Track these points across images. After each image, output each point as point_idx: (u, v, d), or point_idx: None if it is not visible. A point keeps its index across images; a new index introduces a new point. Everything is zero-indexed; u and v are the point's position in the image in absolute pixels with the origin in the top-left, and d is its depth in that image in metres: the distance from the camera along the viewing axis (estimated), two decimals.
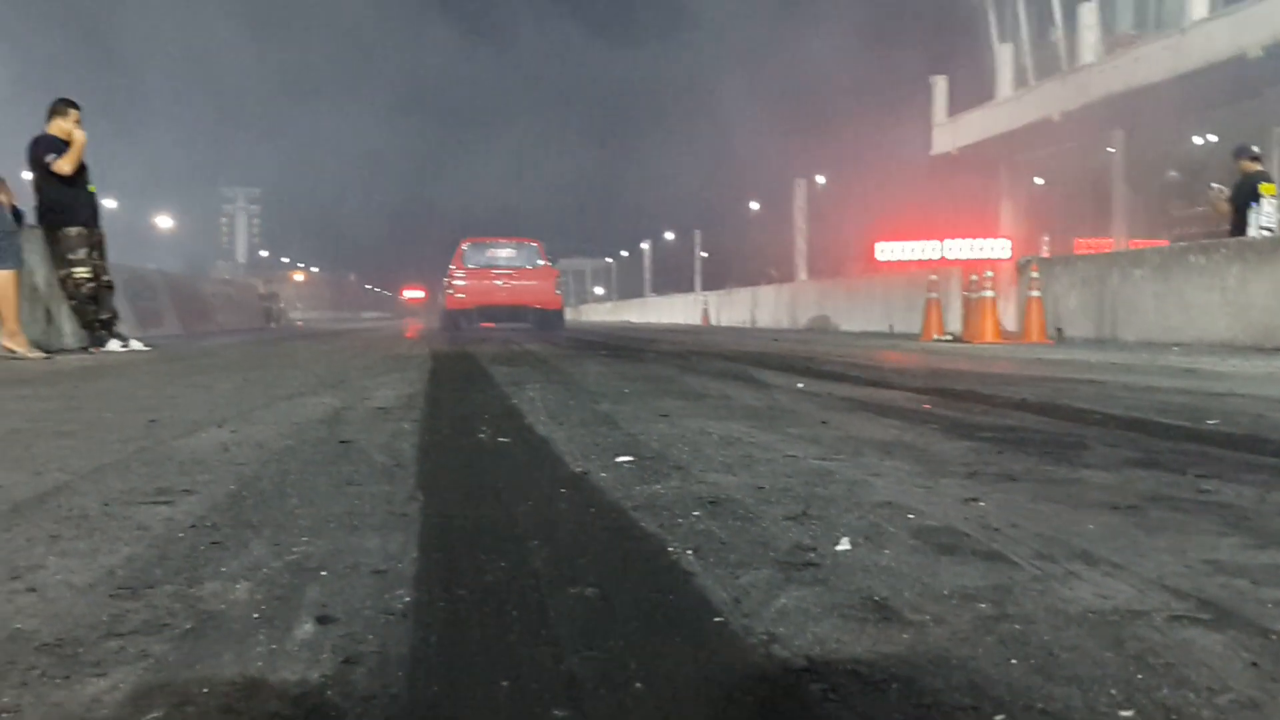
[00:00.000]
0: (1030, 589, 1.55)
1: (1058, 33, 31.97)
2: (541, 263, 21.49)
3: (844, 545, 1.82)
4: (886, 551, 1.78)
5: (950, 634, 1.35)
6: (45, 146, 9.39)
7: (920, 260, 32.44)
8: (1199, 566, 1.68)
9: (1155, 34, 27.05)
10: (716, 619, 1.43)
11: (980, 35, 36.27)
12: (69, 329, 10.06)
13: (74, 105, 9.54)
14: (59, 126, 9.47)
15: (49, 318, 9.82)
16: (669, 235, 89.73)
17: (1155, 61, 25.37)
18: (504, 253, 21.73)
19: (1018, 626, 1.37)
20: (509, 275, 20.84)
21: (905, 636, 1.34)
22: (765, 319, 27.11)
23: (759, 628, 1.39)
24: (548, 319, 20.84)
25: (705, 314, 33.61)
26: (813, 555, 1.77)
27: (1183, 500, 2.25)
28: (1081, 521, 2.02)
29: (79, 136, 9.48)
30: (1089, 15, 29.70)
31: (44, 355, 8.65)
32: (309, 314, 70.30)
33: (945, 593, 1.53)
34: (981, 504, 2.20)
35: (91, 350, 9.69)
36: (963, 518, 2.06)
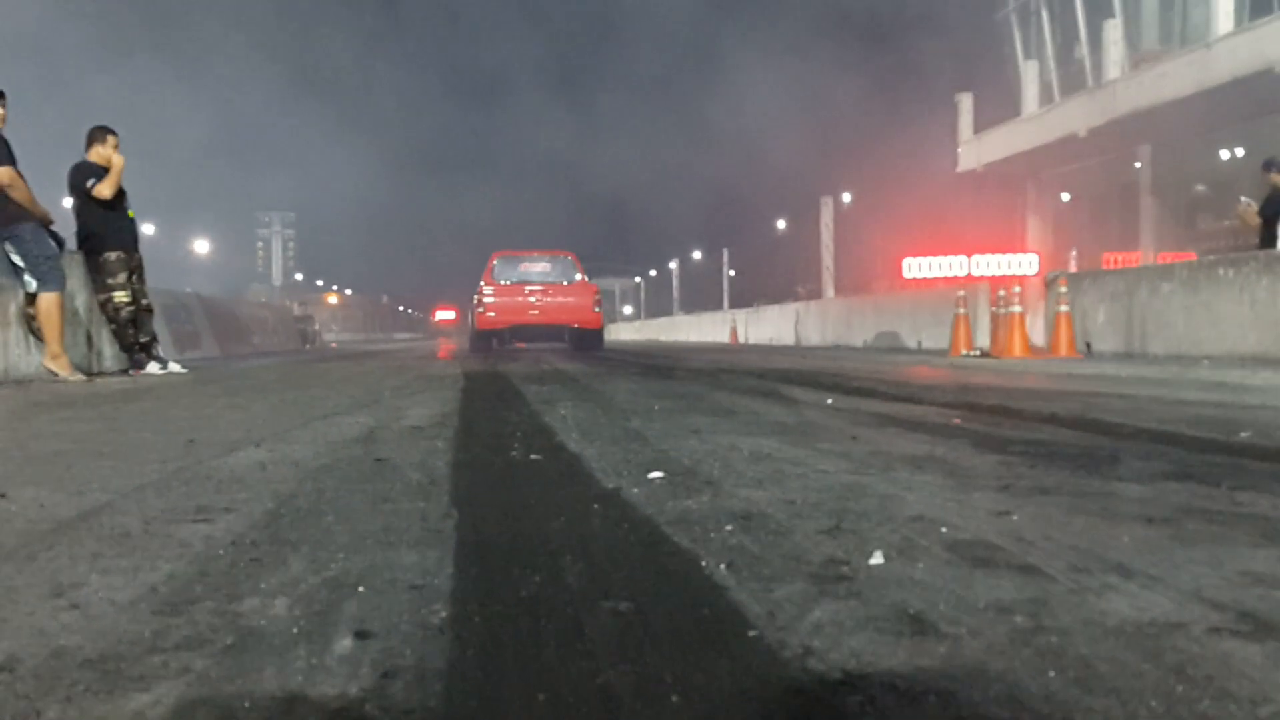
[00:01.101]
0: (1066, 601, 1.54)
1: (1083, 49, 31.88)
2: (579, 277, 19.96)
3: (877, 559, 1.82)
4: (920, 565, 1.78)
5: (987, 646, 1.35)
6: (85, 172, 9.54)
7: (947, 276, 32.32)
8: (1236, 578, 1.67)
9: (1180, 49, 26.91)
10: (751, 632, 1.44)
11: (1006, 53, 36.21)
12: (109, 352, 10.18)
13: (112, 132, 9.70)
14: (98, 153, 9.62)
15: (90, 341, 9.93)
16: (696, 254, 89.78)
17: (1181, 77, 25.24)
18: (538, 267, 20.14)
19: (1055, 639, 1.37)
20: (543, 291, 19.19)
21: (941, 649, 1.35)
22: (793, 336, 27.05)
23: (794, 641, 1.39)
24: (586, 338, 19.44)
25: (734, 332, 33.59)
26: (846, 569, 1.77)
27: (1218, 512, 2.23)
28: (1116, 534, 2.01)
29: (118, 161, 9.63)
30: (1113, 31, 29.62)
31: (85, 378, 8.75)
32: (342, 335, 70.74)
33: (980, 606, 1.53)
34: (1014, 517, 2.20)
35: (131, 373, 9.80)
36: (996, 531, 2.05)
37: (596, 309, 19.29)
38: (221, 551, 1.96)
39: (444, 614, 1.54)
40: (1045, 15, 33.61)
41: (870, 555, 1.85)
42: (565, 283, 19.61)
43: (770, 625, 1.47)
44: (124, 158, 9.72)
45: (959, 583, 1.66)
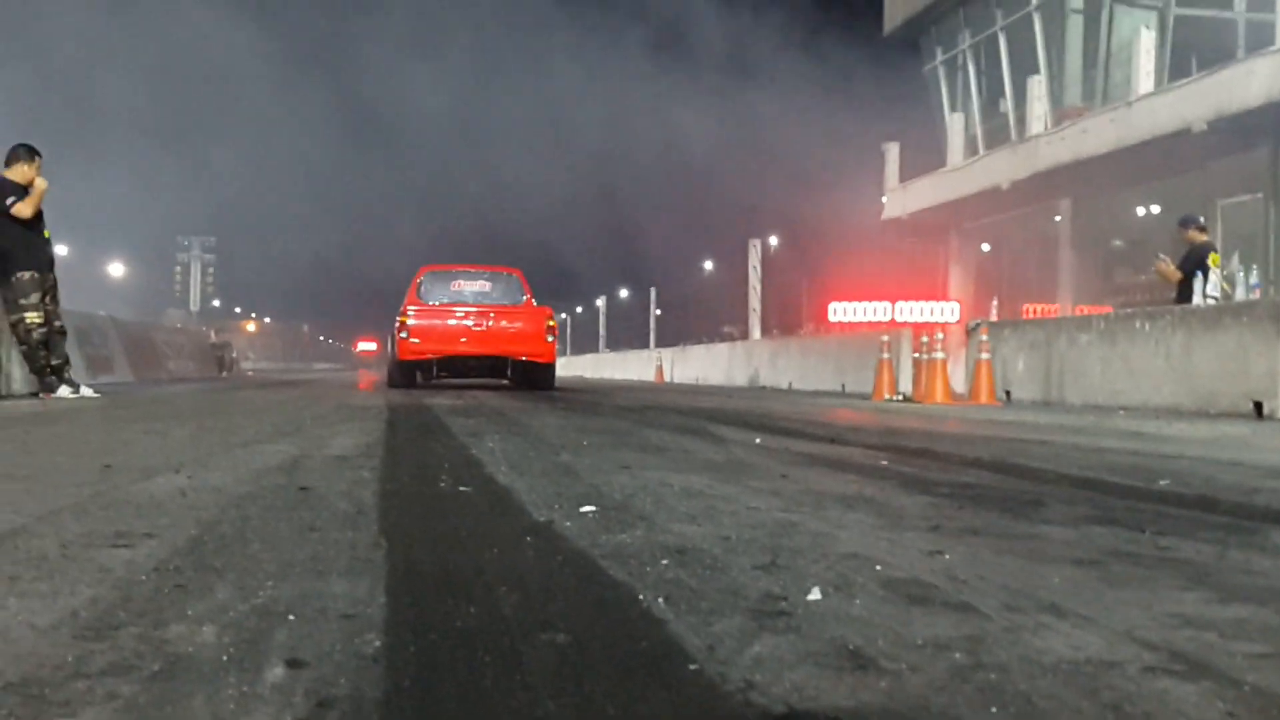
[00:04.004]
0: (1002, 639, 1.55)
1: (1007, 104, 32.65)
2: (525, 298, 16.10)
3: (814, 595, 1.82)
4: (857, 601, 1.79)
5: (927, 682, 1.35)
6: (4, 190, 9.31)
7: (872, 321, 32.75)
8: (1166, 620, 1.70)
9: (1102, 107, 27.67)
10: (692, 665, 1.43)
11: (933, 105, 36.96)
12: (19, 374, 9.91)
13: (37, 153, 9.51)
14: (20, 172, 9.41)
15: None
16: (624, 292, 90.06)
17: (1101, 133, 25.94)
18: (475, 285, 16.30)
19: (993, 676, 1.37)
20: (482, 314, 15.29)
21: (883, 685, 1.34)
22: (719, 376, 27.19)
23: (735, 675, 1.38)
24: (534, 374, 15.64)
25: (660, 370, 33.65)
26: (784, 604, 1.77)
27: (1143, 556, 2.27)
28: (1046, 575, 2.04)
29: (41, 184, 9.45)
30: (1038, 87, 30.37)
31: None
32: (260, 364, 69.66)
33: (919, 642, 1.53)
34: (946, 556, 2.21)
35: (41, 396, 9.54)
36: (929, 569, 2.07)
37: (550, 339, 15.49)
38: (144, 577, 1.90)
39: (378, 644, 1.51)
40: (971, 69, 34.41)
41: (807, 591, 1.85)
42: (510, 304, 15.88)
43: (711, 659, 1.45)
44: (47, 182, 9.55)
45: (896, 619, 1.67)
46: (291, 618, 1.64)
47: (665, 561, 2.12)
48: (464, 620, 1.65)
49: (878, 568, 2.08)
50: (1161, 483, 3.83)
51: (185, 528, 2.45)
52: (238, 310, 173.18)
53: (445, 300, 15.79)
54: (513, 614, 1.70)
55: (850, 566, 2.08)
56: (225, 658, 1.42)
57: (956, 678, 1.37)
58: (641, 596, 1.82)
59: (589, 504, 2.96)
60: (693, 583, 1.93)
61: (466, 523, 2.66)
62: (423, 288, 16.00)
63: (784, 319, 52.31)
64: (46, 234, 9.76)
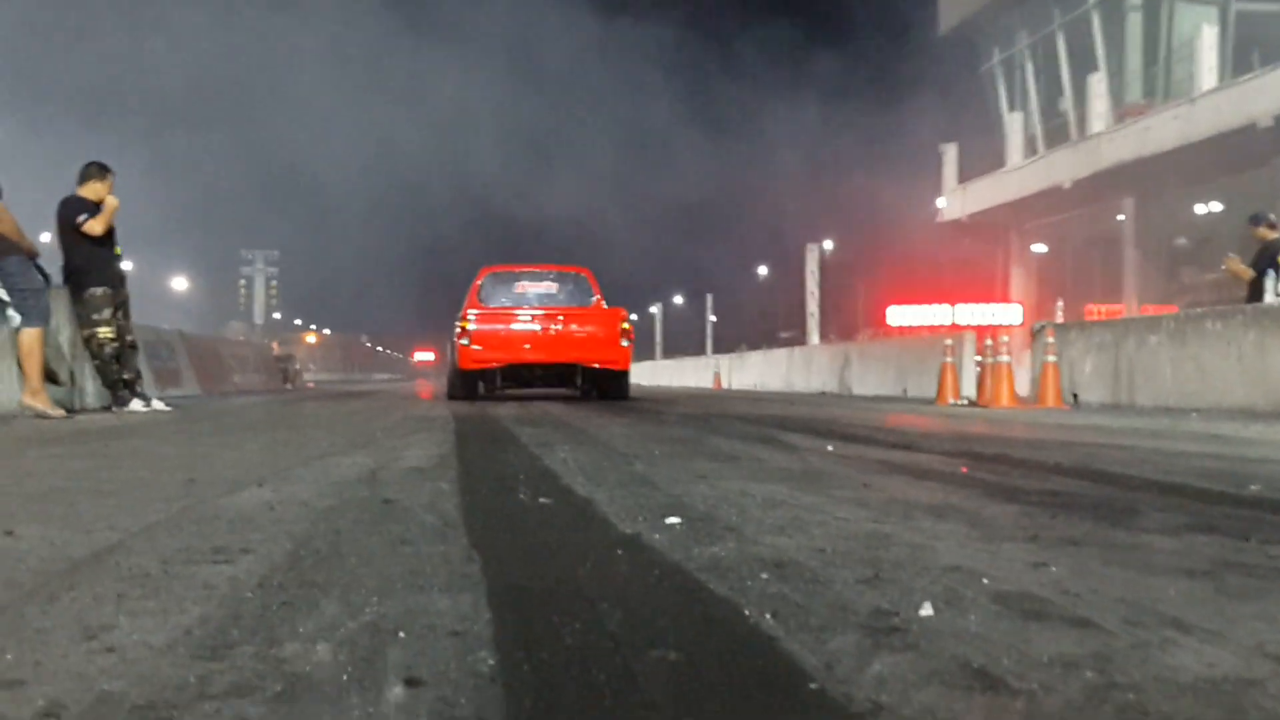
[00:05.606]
0: (1131, 656, 1.51)
1: (1067, 102, 32.27)
2: (595, 299, 14.89)
3: (926, 610, 1.78)
4: (972, 617, 1.74)
5: (1064, 703, 1.31)
6: (76, 207, 9.49)
7: (932, 325, 32.44)
8: None
9: (1164, 104, 27.28)
10: (812, 685, 1.40)
11: (991, 105, 36.61)
12: (91, 388, 10.09)
13: (109, 170, 9.68)
14: (93, 189, 9.58)
15: (72, 377, 9.84)
16: (678, 299, 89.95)
17: (1164, 130, 25.60)
18: (540, 286, 15.15)
19: (1131, 696, 1.33)
20: (549, 317, 14.19)
21: (1019, 706, 1.31)
22: (778, 382, 27.06)
23: (860, 695, 1.35)
24: (607, 383, 14.45)
25: (718, 377, 33.57)
26: (896, 620, 1.73)
27: (1255, 566, 2.21)
28: (1161, 587, 1.98)
29: (113, 202, 9.61)
30: (1098, 85, 30.03)
31: (65, 414, 8.65)
32: (320, 375, 70.46)
33: (1045, 660, 1.49)
34: (1053, 569, 2.16)
35: (114, 410, 9.70)
36: (1038, 582, 2.02)
37: (624, 343, 14.14)
38: (249, 594, 1.90)
39: (491, 662, 1.49)
40: (1029, 68, 34.06)
41: (918, 606, 1.81)
42: (579, 306, 14.77)
43: (830, 678, 1.42)
44: (119, 200, 9.70)
45: (1016, 635, 1.62)
46: (402, 635, 1.63)
47: (765, 575, 2.09)
48: (572, 637, 1.63)
49: (984, 581, 2.03)
50: (1252, 487, 3.75)
51: (280, 542, 2.46)
52: (297, 322, 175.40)
53: (508, 303, 14.71)
54: (619, 630, 1.68)
55: (956, 580, 2.04)
56: (345, 677, 1.41)
57: (1094, 698, 1.32)
58: (747, 612, 1.79)
59: (673, 515, 2.93)
60: (797, 598, 1.89)
61: (554, 535, 2.65)
62: (484, 290, 14.87)
63: (841, 323, 52.02)
64: (118, 250, 9.93)
